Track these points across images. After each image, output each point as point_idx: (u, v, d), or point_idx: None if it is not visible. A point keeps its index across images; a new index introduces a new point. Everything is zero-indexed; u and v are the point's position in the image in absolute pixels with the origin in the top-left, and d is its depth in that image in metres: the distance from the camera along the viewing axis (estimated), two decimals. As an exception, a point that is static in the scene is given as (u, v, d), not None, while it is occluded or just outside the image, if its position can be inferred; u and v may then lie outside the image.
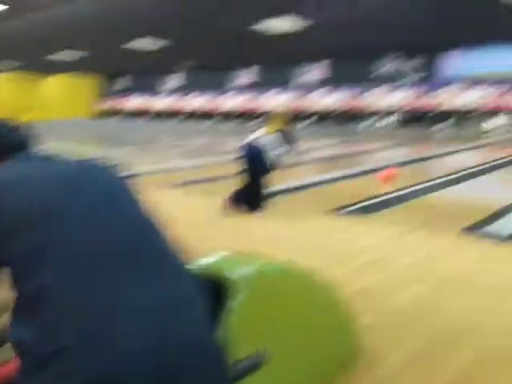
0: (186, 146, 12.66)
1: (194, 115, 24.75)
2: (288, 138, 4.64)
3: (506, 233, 3.79)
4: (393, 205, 4.94)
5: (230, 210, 4.52)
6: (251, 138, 4.59)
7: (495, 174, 7.26)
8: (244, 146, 4.57)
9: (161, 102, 26.77)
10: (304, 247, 3.52)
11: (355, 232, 3.97)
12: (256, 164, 4.49)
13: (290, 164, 8.50)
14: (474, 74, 15.82)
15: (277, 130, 4.60)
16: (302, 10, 12.19)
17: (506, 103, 15.40)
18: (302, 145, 11.69)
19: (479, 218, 4.23)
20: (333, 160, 9.34)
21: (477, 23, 12.27)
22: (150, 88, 27.02)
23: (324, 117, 20.11)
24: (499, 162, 8.40)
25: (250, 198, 4.54)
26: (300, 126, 18.59)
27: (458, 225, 3.99)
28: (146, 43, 17.13)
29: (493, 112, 15.79)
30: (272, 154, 4.51)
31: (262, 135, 4.55)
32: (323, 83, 20.29)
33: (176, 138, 15.13)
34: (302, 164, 8.71)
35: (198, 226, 4.05)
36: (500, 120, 15.78)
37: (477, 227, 3.97)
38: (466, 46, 15.72)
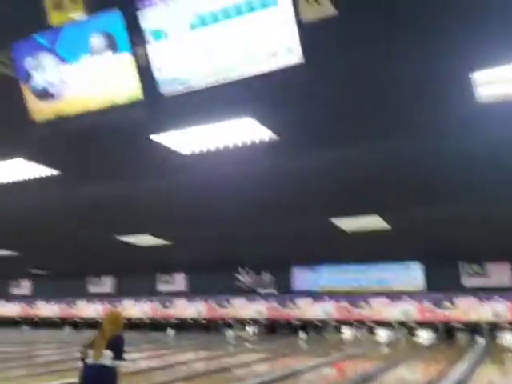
0: (37, 360, 11.06)
1: (45, 323, 22.58)
2: (121, 345, 4.25)
3: None
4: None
5: None
6: (89, 356, 4.14)
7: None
8: (86, 367, 4.12)
9: (5, 309, 24.17)
10: None
11: None
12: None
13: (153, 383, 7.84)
14: (321, 288, 17.40)
15: (111, 337, 4.21)
16: (156, 230, 13.04)
17: (353, 315, 16.72)
18: (166, 359, 11.18)
19: None
20: (201, 377, 8.80)
21: (323, 245, 13.97)
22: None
23: (187, 326, 19.77)
24: (363, 374, 8.65)
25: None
26: (161, 336, 17.87)
27: None
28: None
29: (342, 323, 16.97)
30: (115, 367, 4.08)
31: (100, 350, 4.11)
32: (184, 293, 20.43)
33: (25, 351, 13.23)
34: (169, 382, 8.04)
35: None
36: (350, 332, 16.88)
37: None
38: (312, 263, 17.60)
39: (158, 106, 3.66)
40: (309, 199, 9.48)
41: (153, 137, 6.32)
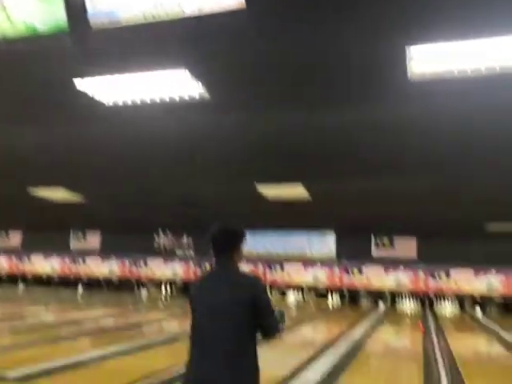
0: None
1: None
2: None
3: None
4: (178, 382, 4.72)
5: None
6: None
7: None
8: None
9: None
10: None
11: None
12: None
13: (60, 336, 7.66)
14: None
15: None
16: (72, 184, 12.44)
17: (268, 279, 17.26)
18: (75, 314, 10.93)
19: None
20: (109, 332, 8.72)
21: (244, 210, 14.13)
22: None
23: (98, 284, 19.35)
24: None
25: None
26: (71, 293, 17.37)
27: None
28: None
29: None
30: None
31: None
32: (98, 252, 19.90)
33: None
34: (76, 336, 7.90)
35: None
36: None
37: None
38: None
39: (84, 40, 3.44)
40: (235, 162, 9.48)
41: (76, 81, 5.93)
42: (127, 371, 5.32)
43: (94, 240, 20.14)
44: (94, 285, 19.41)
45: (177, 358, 5.64)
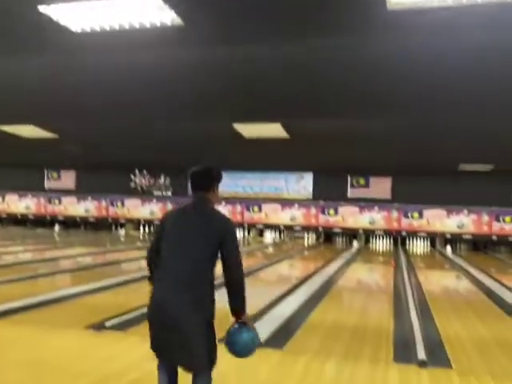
0: None
1: None
2: None
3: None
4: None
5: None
6: None
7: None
8: None
9: None
10: (57, 371, 3.03)
11: (113, 350, 3.66)
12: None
13: (38, 274, 7.66)
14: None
15: None
16: (41, 121, 12.02)
17: (246, 219, 17.44)
18: (52, 253, 10.92)
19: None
20: (87, 270, 8.76)
21: (222, 150, 13.96)
22: None
23: (74, 224, 19.29)
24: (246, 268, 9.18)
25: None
26: (48, 232, 17.31)
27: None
28: None
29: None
30: None
31: None
32: (73, 191, 19.64)
33: None
34: (53, 274, 7.92)
35: None
36: (241, 234, 17.66)
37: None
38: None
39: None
40: (211, 99, 9.20)
41: (42, 8, 5.54)
42: (104, 307, 5.38)
43: (68, 179, 19.83)
44: (70, 224, 19.34)
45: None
